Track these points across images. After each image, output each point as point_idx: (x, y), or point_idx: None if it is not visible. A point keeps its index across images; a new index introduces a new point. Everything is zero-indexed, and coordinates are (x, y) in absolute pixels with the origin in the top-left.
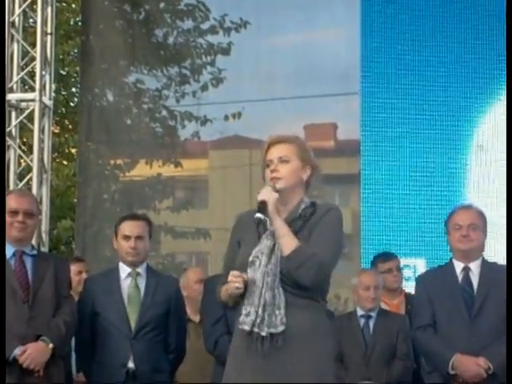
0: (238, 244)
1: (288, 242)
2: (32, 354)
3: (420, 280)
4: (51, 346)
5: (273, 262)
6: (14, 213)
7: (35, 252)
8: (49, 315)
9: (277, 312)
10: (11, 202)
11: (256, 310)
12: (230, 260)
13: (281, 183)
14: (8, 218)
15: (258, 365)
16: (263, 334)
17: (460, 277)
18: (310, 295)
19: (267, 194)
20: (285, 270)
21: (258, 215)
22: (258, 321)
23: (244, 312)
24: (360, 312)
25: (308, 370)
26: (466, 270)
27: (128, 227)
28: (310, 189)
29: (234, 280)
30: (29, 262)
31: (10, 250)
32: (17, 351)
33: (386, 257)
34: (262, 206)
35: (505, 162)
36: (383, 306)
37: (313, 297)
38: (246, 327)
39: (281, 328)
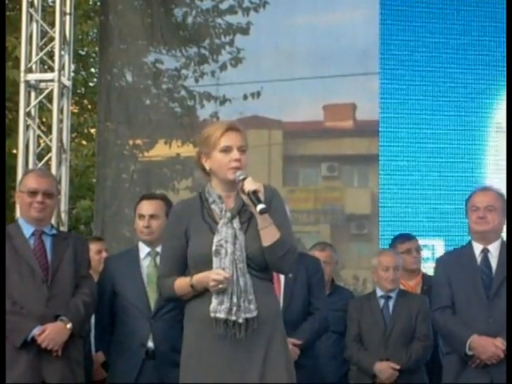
0: (184, 234)
1: (272, 231)
2: (50, 334)
3: (439, 261)
4: (70, 326)
5: (238, 248)
6: (34, 193)
7: (54, 232)
8: (68, 295)
9: (250, 297)
10: (30, 182)
11: (230, 298)
12: (174, 249)
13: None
14: (27, 198)
15: (234, 350)
16: (240, 320)
17: (479, 259)
18: (269, 277)
19: (255, 183)
20: (257, 255)
21: (262, 206)
22: (235, 308)
23: (216, 300)
24: (380, 293)
25: (280, 351)
26: (485, 251)
27: (143, 206)
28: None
29: (219, 279)
30: (48, 242)
31: (29, 230)
32: (35, 331)
33: (404, 238)
34: (255, 195)
35: None
36: (401, 287)
37: (270, 278)
38: (222, 316)
39: (255, 313)
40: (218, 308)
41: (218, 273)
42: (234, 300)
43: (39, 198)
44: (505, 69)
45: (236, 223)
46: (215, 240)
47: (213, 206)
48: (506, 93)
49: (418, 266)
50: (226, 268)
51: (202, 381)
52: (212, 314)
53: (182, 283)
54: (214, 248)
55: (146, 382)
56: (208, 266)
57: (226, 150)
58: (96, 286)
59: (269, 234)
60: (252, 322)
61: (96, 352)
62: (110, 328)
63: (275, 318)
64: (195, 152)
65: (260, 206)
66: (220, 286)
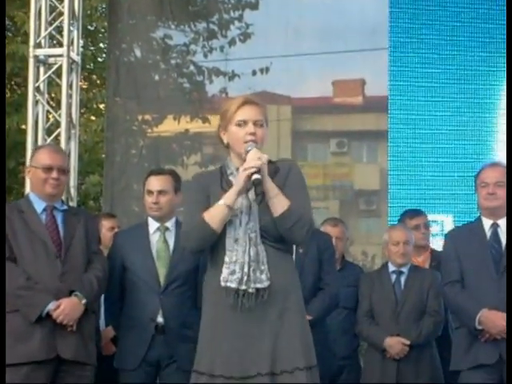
0: (207, 199)
1: (281, 202)
2: (66, 309)
3: (449, 236)
4: (84, 301)
5: (252, 219)
6: (49, 169)
7: (65, 207)
8: (81, 270)
9: (262, 267)
10: (44, 158)
11: (242, 268)
12: (199, 206)
13: (257, 147)
14: (42, 174)
15: (245, 320)
16: (250, 290)
17: (488, 233)
18: (287, 248)
19: (257, 155)
20: (270, 227)
21: (256, 176)
22: (245, 278)
23: (227, 270)
24: (391, 268)
25: (295, 323)
26: (495, 226)
27: (151, 182)
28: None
29: (255, 166)
30: (59, 217)
31: (40, 205)
32: (51, 306)
33: (413, 213)
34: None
35: None
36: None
37: (288, 249)
38: (233, 285)
39: (266, 283)
40: (229, 278)
41: (254, 152)
42: (245, 270)
43: (54, 174)
44: None
45: (251, 194)
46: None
47: (231, 178)
48: (506, 92)
49: (426, 242)
50: (240, 239)
51: (216, 351)
52: (223, 284)
53: (212, 210)
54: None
55: (156, 357)
56: (222, 235)
57: (242, 123)
58: (107, 261)
59: (277, 205)
60: (263, 292)
61: (106, 327)
62: (119, 303)
63: (290, 289)
64: (216, 126)
65: (254, 177)
66: (255, 176)
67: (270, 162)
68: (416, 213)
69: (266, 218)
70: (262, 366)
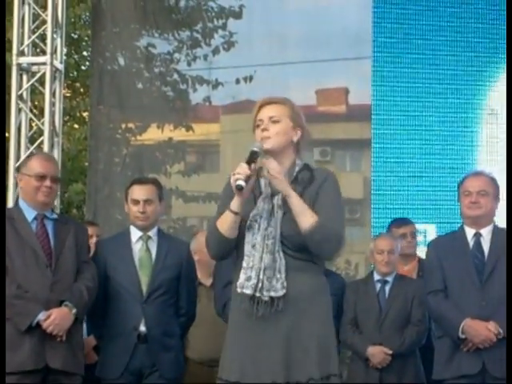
0: None
1: (308, 218)
2: (56, 319)
3: (432, 245)
4: (74, 311)
5: (272, 225)
6: (42, 177)
7: (55, 216)
8: (71, 280)
9: (278, 276)
10: (37, 166)
11: (257, 274)
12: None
13: (269, 143)
14: (35, 183)
15: (260, 328)
16: (265, 298)
17: (471, 243)
18: (310, 258)
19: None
20: (292, 236)
21: (238, 183)
22: (260, 285)
23: (244, 276)
24: (377, 277)
25: (310, 333)
26: (477, 236)
27: (136, 191)
28: (301, 152)
29: (240, 172)
30: (50, 226)
31: (31, 214)
32: (41, 316)
33: (400, 222)
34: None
35: None
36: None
37: (313, 259)
38: (248, 291)
39: (281, 292)
40: (245, 283)
41: (241, 166)
42: (261, 276)
43: (48, 182)
44: (498, 52)
45: (277, 200)
46: (251, 214)
47: (261, 180)
48: (506, 94)
49: (412, 251)
50: (257, 243)
51: (234, 357)
52: (239, 290)
53: (222, 216)
54: (248, 222)
55: (138, 366)
56: (242, 238)
57: (259, 124)
58: (97, 271)
59: (304, 222)
60: (277, 301)
61: (88, 336)
62: (101, 312)
63: (310, 299)
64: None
65: (237, 182)
66: (239, 183)
67: (307, 168)
68: (403, 221)
69: (288, 226)
70: (277, 376)
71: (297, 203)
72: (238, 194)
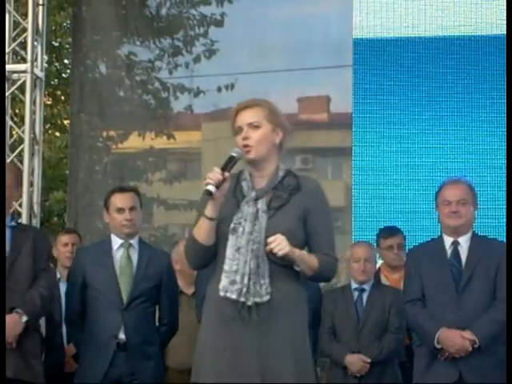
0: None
1: (310, 266)
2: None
3: (410, 254)
4: (25, 318)
5: (257, 230)
6: None
7: (14, 223)
8: (25, 287)
9: (262, 281)
10: None
11: (242, 279)
12: None
13: (252, 153)
14: None
15: (238, 333)
16: (249, 303)
17: (449, 251)
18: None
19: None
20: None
21: (209, 187)
22: (245, 290)
23: (227, 279)
24: (354, 285)
25: (288, 342)
26: (455, 244)
27: (120, 200)
28: (283, 153)
29: (210, 177)
30: (7, 234)
31: None
32: None
33: (388, 233)
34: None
35: None
36: (384, 280)
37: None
38: (233, 296)
39: (266, 298)
40: (229, 287)
41: (214, 170)
42: (245, 281)
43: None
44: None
45: (261, 204)
46: (235, 217)
47: (243, 184)
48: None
49: (399, 263)
50: (242, 247)
51: (211, 362)
52: (222, 293)
53: (198, 224)
54: (232, 225)
55: (117, 374)
56: (222, 240)
57: (238, 130)
58: (55, 278)
59: (307, 270)
60: (262, 307)
61: (67, 344)
62: (80, 320)
63: (291, 308)
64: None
65: (207, 187)
66: (208, 188)
67: (292, 174)
68: (390, 232)
69: (273, 233)
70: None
71: (299, 258)
72: (210, 199)
